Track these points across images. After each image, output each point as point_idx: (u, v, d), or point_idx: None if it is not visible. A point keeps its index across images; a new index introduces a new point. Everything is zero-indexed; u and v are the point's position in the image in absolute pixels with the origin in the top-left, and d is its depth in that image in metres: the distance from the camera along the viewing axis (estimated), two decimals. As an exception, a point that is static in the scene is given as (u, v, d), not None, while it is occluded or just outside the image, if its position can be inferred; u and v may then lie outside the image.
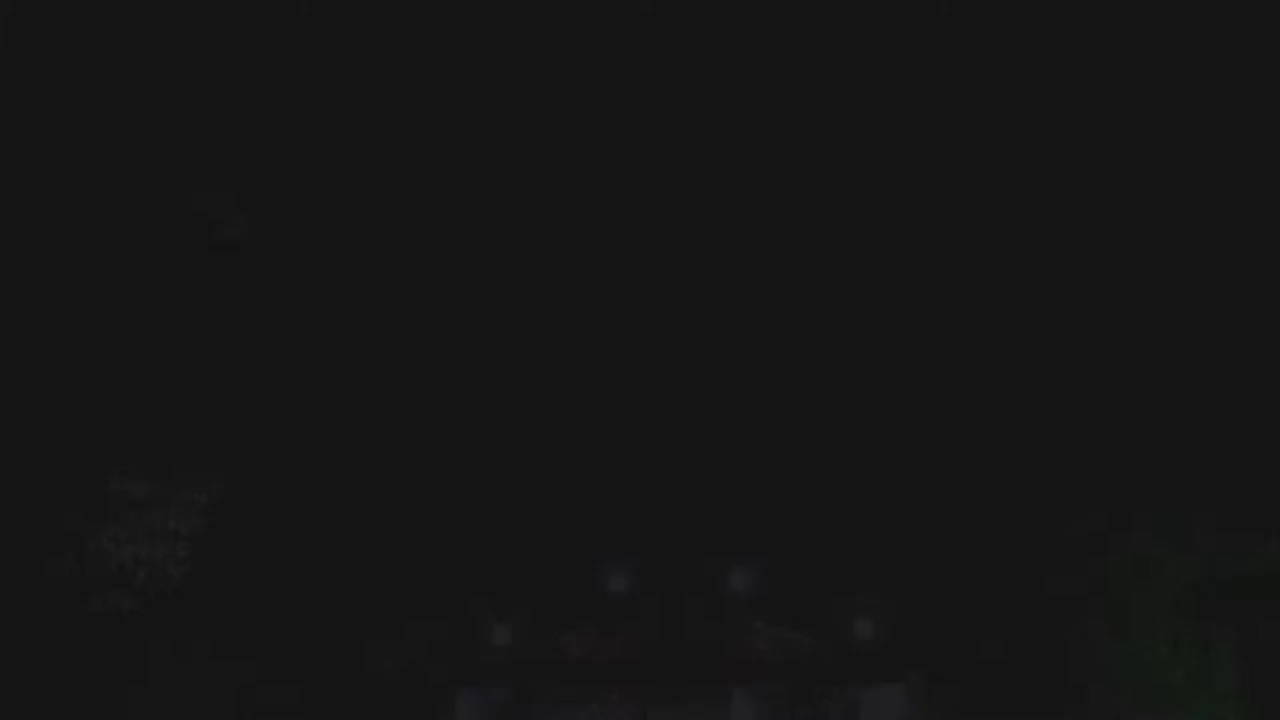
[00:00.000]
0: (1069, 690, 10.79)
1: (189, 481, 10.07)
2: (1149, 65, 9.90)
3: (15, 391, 10.12)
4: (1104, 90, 10.00)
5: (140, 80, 9.99)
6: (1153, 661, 10.32)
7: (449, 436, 10.05)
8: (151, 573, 9.75)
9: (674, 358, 10.02)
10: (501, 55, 9.99)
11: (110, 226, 10.02)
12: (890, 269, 10.21)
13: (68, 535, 9.76)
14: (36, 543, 9.87)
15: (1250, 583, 9.98)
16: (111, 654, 9.60)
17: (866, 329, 10.17)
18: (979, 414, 10.31)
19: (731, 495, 10.31)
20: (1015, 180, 10.08)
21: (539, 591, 9.67)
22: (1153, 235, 9.98)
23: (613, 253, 10.04)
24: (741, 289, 10.11)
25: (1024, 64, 9.98)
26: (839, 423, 10.26)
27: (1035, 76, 9.97)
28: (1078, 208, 10.10)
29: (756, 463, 10.31)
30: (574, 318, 10.11)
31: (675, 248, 10.04)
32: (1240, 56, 9.76)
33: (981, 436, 10.34)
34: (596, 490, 10.20)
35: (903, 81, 9.99)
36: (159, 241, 10.05)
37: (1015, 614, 11.24)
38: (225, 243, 9.97)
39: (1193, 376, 10.17)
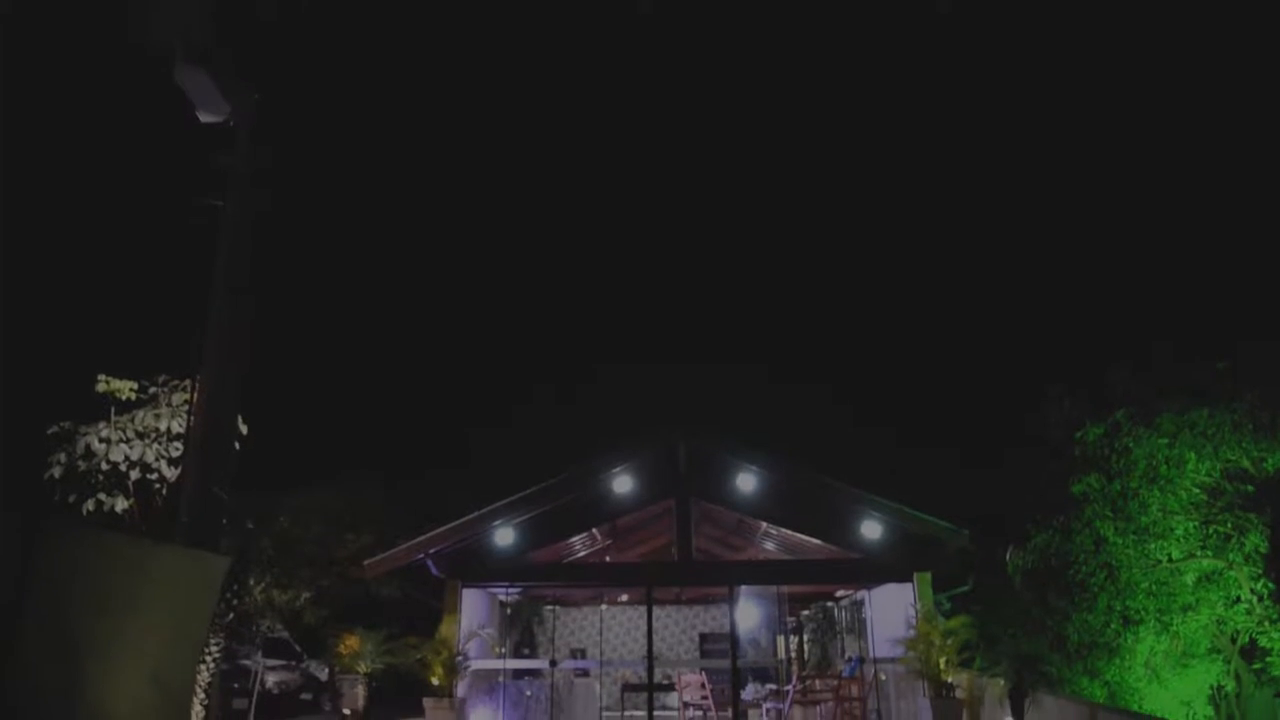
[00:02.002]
0: (1075, 586, 10.78)
1: (179, 381, 9.85)
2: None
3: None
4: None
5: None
6: (1164, 562, 10.21)
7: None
8: (144, 473, 9.68)
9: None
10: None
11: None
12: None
13: (56, 436, 9.64)
14: (26, 443, 9.72)
15: (1272, 486, 9.78)
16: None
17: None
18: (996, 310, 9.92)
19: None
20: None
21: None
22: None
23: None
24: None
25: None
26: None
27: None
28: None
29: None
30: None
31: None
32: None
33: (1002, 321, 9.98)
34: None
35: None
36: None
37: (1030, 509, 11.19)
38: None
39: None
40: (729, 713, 14.28)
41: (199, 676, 5.62)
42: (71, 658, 5.39)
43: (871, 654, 14.97)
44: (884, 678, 15.05)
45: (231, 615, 5.81)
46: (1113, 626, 10.46)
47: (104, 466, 9.63)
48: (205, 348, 8.19)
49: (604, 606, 20.30)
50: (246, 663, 15.39)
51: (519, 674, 15.53)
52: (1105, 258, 28.72)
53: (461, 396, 40.54)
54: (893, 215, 41.73)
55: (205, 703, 5.59)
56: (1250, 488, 9.68)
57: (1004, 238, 35.99)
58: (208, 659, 5.68)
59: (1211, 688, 10.55)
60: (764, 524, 15.71)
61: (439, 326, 41.83)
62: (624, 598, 20.18)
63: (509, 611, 17.44)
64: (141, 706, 5.93)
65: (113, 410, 9.89)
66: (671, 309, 46.12)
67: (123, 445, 9.71)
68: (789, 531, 15.12)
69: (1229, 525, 9.86)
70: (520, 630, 18.09)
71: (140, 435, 9.86)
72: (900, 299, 40.94)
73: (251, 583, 14.72)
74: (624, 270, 44.59)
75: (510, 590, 16.30)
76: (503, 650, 16.00)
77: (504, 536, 13.53)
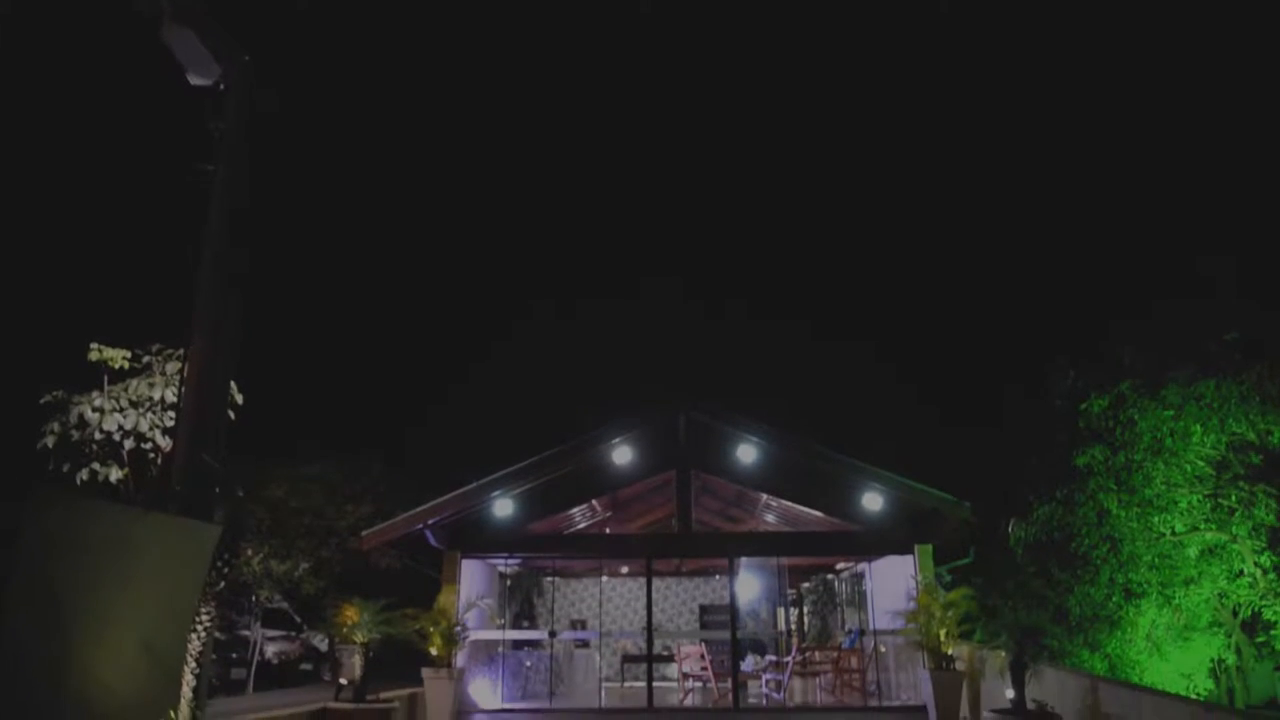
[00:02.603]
0: (1078, 559, 10.72)
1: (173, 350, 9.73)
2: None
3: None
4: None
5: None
6: (1167, 535, 10.14)
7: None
8: (139, 443, 9.59)
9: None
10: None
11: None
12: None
13: (48, 405, 9.53)
14: (18, 412, 9.62)
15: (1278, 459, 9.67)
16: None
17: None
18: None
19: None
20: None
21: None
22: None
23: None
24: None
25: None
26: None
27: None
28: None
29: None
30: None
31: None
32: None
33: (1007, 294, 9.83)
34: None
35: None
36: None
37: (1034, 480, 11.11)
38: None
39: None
40: (728, 684, 14.28)
41: (190, 645, 5.55)
42: (60, 627, 5.31)
43: (871, 626, 14.96)
44: (884, 650, 15.05)
45: (223, 584, 5.73)
46: (1115, 599, 10.41)
47: (97, 436, 9.53)
48: (196, 314, 8.07)
49: (604, 578, 20.31)
50: (245, 633, 15.41)
51: (519, 644, 15.55)
52: (1114, 226, 28.47)
53: (467, 368, 40.53)
54: (896, 189, 41.44)
55: (197, 672, 5.51)
56: (1257, 458, 9.57)
57: (1009, 211, 35.71)
58: (199, 628, 5.60)
59: (1212, 661, 10.52)
60: (764, 496, 15.65)
61: (443, 297, 41.67)
62: (624, 569, 20.19)
63: (509, 583, 17.44)
64: (133, 676, 5.87)
65: (105, 379, 9.78)
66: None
67: (116, 415, 9.61)
68: (790, 503, 15.06)
69: (1233, 499, 9.77)
70: (520, 601, 18.11)
71: (134, 404, 9.74)
72: (906, 272, 40.72)
73: (250, 553, 14.68)
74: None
75: (510, 561, 16.28)
76: (502, 621, 16.00)
77: (503, 507, 13.47)
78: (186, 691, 5.49)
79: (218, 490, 6.91)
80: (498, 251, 44.12)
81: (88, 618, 5.53)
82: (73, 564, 5.48)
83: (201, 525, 6.48)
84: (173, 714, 5.43)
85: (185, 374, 8.11)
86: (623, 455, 13.55)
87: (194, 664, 5.54)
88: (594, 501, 15.79)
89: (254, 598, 15.58)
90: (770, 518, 17.45)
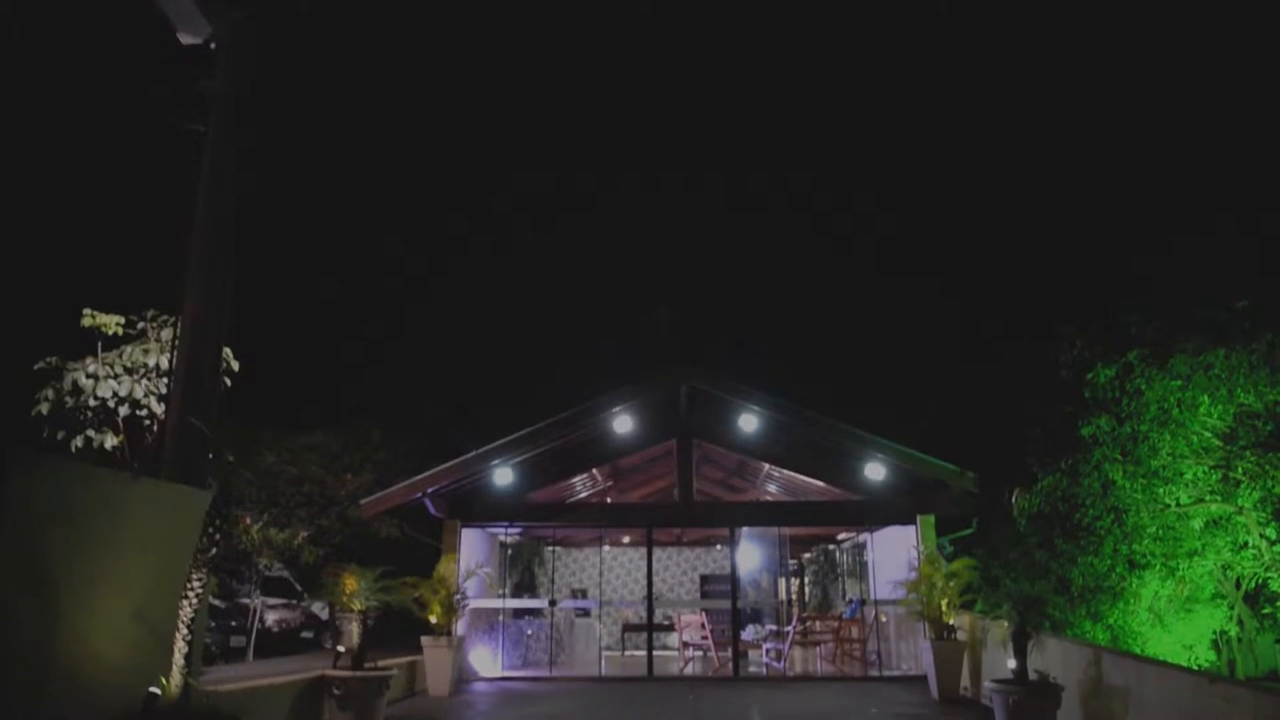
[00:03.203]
0: (1082, 530, 10.63)
1: (168, 317, 9.60)
2: None
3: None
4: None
5: None
6: (1172, 507, 10.03)
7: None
8: (134, 410, 9.50)
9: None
10: None
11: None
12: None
13: (42, 372, 9.43)
14: (11, 379, 9.51)
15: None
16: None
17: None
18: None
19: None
20: None
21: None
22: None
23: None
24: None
25: None
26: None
27: None
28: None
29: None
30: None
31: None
32: None
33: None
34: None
35: None
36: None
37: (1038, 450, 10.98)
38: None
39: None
40: (729, 653, 14.28)
41: (182, 612, 5.47)
42: (48, 593, 5.23)
43: (873, 596, 14.93)
44: (885, 619, 15.03)
45: (215, 550, 5.63)
46: (1118, 570, 10.32)
47: (92, 403, 9.44)
48: (189, 278, 7.94)
49: (605, 548, 20.30)
50: (246, 601, 15.41)
51: (519, 613, 15.55)
52: (1123, 191, 28.15)
53: (470, 336, 40.42)
54: (904, 152, 41.05)
55: (188, 638, 5.44)
56: (1268, 427, 9.43)
57: (1015, 179, 35.36)
58: (190, 594, 5.51)
59: (1214, 633, 10.46)
60: (766, 466, 15.58)
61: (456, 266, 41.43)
62: (625, 539, 20.18)
63: (509, 552, 17.43)
64: (124, 643, 5.80)
65: (100, 346, 9.68)
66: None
67: (111, 381, 9.51)
68: (791, 473, 14.98)
69: (1240, 471, 9.64)
70: (521, 571, 18.11)
71: (129, 371, 9.65)
72: (914, 236, 40.40)
73: (248, 521, 14.64)
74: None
75: (510, 531, 16.25)
76: (503, 591, 16.00)
77: (503, 476, 13.40)
78: (178, 658, 5.42)
79: (210, 456, 6.82)
80: (495, 221, 43.85)
81: (77, 584, 5.45)
82: (61, 530, 5.40)
83: (192, 491, 6.39)
84: (164, 680, 5.36)
85: (177, 338, 8.00)
86: (623, 424, 13.46)
87: (185, 631, 5.46)
88: (595, 471, 15.73)
89: (253, 566, 15.57)
90: (772, 488, 17.39)
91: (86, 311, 9.75)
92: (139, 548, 5.98)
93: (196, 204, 8.11)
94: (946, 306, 36.07)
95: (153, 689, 5.37)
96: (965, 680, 11.25)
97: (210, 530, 5.59)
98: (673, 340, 15.47)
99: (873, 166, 40.82)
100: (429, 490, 13.06)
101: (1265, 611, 9.87)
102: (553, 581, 19.18)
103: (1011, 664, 8.17)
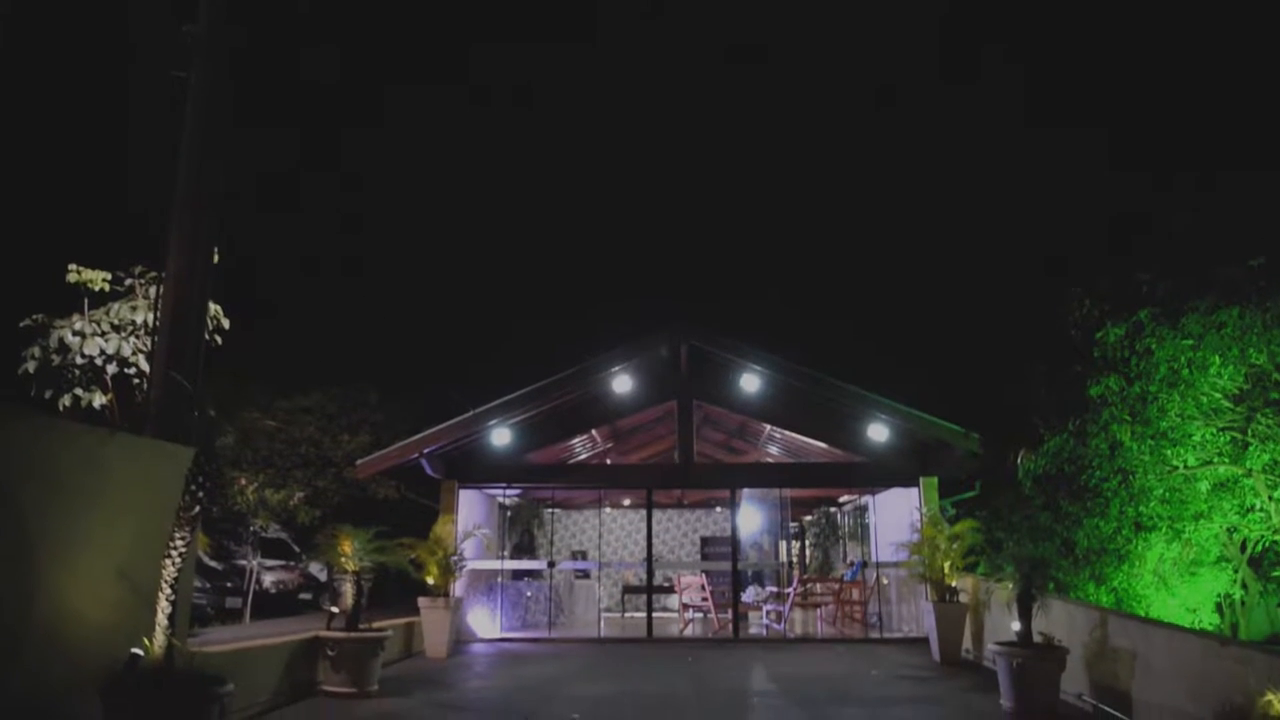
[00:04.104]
0: (1088, 492, 10.48)
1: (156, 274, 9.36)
2: None
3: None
4: None
5: None
6: (1179, 469, 9.86)
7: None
8: (122, 368, 9.30)
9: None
10: None
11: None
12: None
13: (28, 330, 9.22)
14: (-2, 337, 9.29)
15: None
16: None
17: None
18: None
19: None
20: None
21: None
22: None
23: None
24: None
25: None
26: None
27: None
28: None
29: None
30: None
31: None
32: None
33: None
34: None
35: None
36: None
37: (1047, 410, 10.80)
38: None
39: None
40: (728, 614, 14.22)
41: (165, 571, 5.30)
42: (25, 553, 5.05)
43: (874, 558, 14.84)
44: (885, 582, 14.95)
45: (199, 509, 5.45)
46: (1124, 533, 10.19)
47: (79, 361, 9.25)
48: (172, 232, 7.70)
49: (605, 510, 20.22)
50: (242, 562, 15.34)
51: (519, 575, 15.48)
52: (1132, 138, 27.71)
53: (469, 298, 40.17)
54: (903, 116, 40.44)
55: (172, 599, 5.27)
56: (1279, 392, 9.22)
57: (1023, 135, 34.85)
58: (174, 554, 5.34)
59: (1219, 596, 10.36)
60: (768, 427, 15.41)
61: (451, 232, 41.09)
62: (625, 501, 20.09)
63: (509, 514, 17.34)
64: (107, 604, 5.64)
65: (86, 302, 9.46)
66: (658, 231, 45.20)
67: (98, 339, 9.31)
68: (793, 434, 14.82)
69: (1250, 433, 9.46)
70: (520, 532, 18.03)
71: (116, 328, 9.44)
72: (921, 198, 39.98)
73: (243, 482, 14.52)
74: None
75: (509, 492, 16.14)
76: (503, 553, 15.93)
77: (501, 437, 13.24)
78: (161, 619, 5.25)
79: (195, 413, 6.61)
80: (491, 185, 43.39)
81: (54, 543, 5.27)
82: (37, 487, 5.21)
83: (176, 447, 6.20)
84: (147, 641, 5.21)
85: (159, 290, 7.78)
86: (623, 385, 13.26)
87: (169, 591, 5.29)
88: (594, 432, 15.57)
89: (249, 527, 15.48)
90: (773, 449, 17.25)
91: (72, 267, 9.52)
92: (120, 505, 5.80)
93: (179, 154, 7.85)
94: (957, 268, 35.68)
95: (135, 650, 5.21)
96: (967, 643, 11.16)
97: (193, 488, 5.40)
98: None
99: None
100: (426, 451, 12.90)
101: (1275, 574, 9.75)
102: (552, 543, 19.11)
103: (1016, 626, 8.04)
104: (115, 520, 5.75)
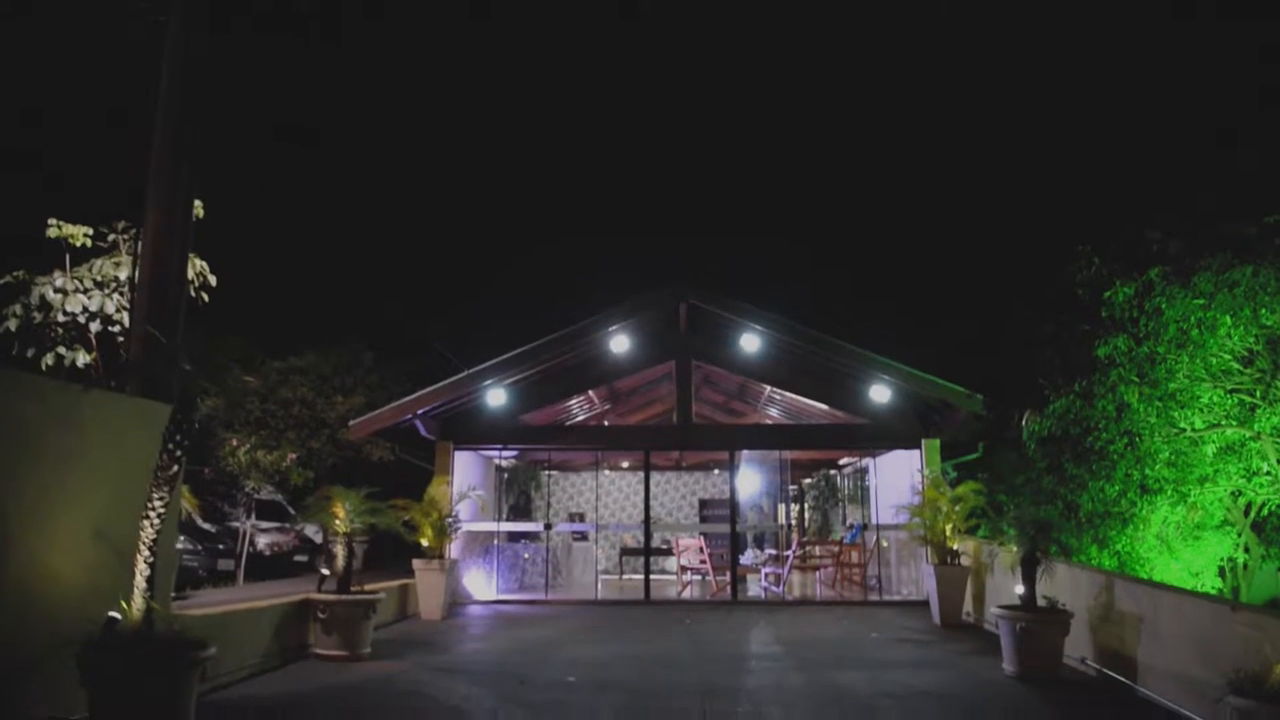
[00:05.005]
0: (1094, 454, 10.32)
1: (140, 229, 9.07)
2: None
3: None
4: None
5: None
6: (1187, 431, 9.67)
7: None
8: (106, 325, 9.07)
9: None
10: None
11: None
12: None
13: (8, 287, 8.97)
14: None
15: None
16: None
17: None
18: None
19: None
20: None
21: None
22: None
23: None
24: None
25: None
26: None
27: None
28: None
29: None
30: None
31: None
32: None
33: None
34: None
35: None
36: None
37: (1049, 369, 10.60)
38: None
39: None
40: (727, 577, 14.12)
41: (143, 533, 5.11)
42: (-5, 511, 4.87)
43: (874, 521, 14.71)
44: (885, 545, 14.84)
45: (177, 468, 5.24)
46: (1129, 496, 10.03)
47: (61, 319, 9.02)
48: (151, 186, 7.43)
49: (604, 472, 20.09)
50: (235, 524, 15.20)
51: (515, 537, 15.36)
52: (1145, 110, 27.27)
53: (466, 255, 39.83)
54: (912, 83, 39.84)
55: (151, 560, 5.08)
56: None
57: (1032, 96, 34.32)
58: (152, 514, 5.14)
59: (1222, 560, 10.24)
60: (768, 389, 15.21)
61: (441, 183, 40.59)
62: (624, 464, 19.95)
63: (505, 476, 17.19)
64: (83, 565, 5.46)
65: (68, 259, 9.21)
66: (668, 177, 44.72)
67: (80, 296, 9.08)
68: (794, 396, 14.62)
69: (1259, 394, 9.26)
70: (516, 494, 17.90)
71: (99, 285, 9.20)
72: (929, 160, 39.48)
73: (235, 443, 14.33)
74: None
75: (505, 454, 15.98)
76: (500, 515, 15.80)
77: (496, 397, 13.04)
78: (140, 581, 5.07)
79: (179, 369, 6.37)
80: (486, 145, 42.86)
81: (28, 503, 5.08)
82: (8, 445, 5.01)
83: (153, 404, 5.99)
84: (124, 604, 5.03)
85: (139, 248, 7.53)
86: (620, 344, 13.02)
87: (148, 552, 5.10)
88: (591, 393, 15.36)
89: (242, 489, 15.32)
90: (773, 411, 17.07)
91: (52, 222, 9.26)
92: (96, 464, 5.61)
93: (158, 105, 7.55)
94: (963, 224, 35.24)
95: (112, 613, 5.03)
96: (968, 606, 11.05)
97: (170, 446, 5.20)
98: None
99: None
100: (420, 412, 12.70)
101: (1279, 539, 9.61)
102: (549, 505, 19.00)
103: (1019, 589, 7.89)
104: (92, 479, 5.56)
